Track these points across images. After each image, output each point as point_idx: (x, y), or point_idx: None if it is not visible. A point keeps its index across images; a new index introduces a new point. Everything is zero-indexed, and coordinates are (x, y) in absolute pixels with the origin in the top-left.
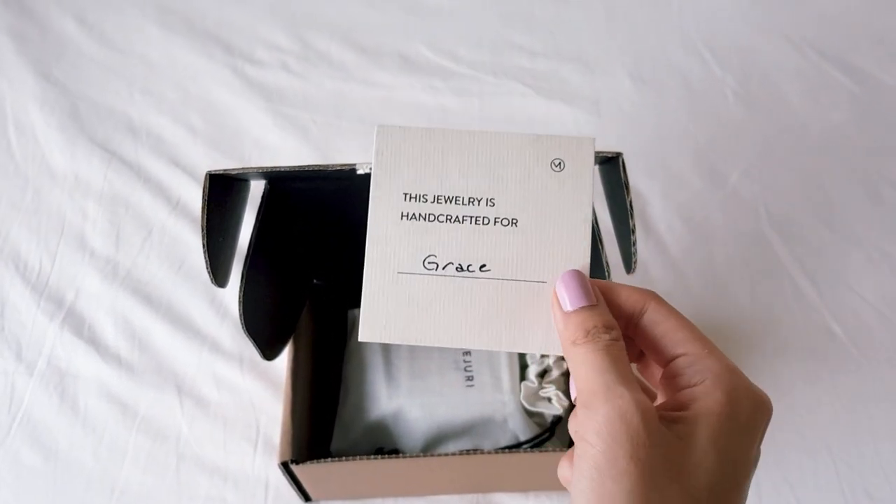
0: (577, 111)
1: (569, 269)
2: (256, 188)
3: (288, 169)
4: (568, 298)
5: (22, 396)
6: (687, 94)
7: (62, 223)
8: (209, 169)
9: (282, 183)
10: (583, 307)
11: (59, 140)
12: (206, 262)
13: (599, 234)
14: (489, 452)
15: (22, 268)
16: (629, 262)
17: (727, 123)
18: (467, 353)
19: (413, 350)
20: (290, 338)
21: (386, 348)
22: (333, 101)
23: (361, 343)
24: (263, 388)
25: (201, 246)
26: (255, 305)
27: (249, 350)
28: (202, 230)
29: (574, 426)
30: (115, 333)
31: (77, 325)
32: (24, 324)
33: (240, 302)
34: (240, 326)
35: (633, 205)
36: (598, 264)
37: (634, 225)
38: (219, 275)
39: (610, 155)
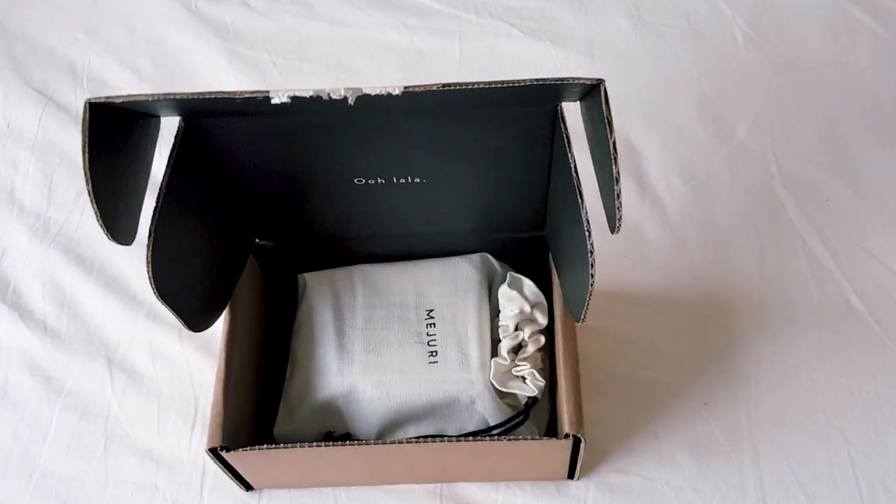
0: (568, 54)
1: None
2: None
3: (192, 96)
4: None
5: None
6: (691, 36)
7: None
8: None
9: (199, 119)
10: None
11: None
12: (96, 212)
13: (579, 185)
14: (453, 439)
15: None
16: (613, 220)
17: (736, 68)
18: (431, 323)
19: (369, 319)
20: (224, 305)
21: (339, 317)
22: (296, 40)
23: (312, 311)
24: (204, 361)
25: (87, 193)
26: (173, 267)
27: None
28: (85, 174)
29: None
30: (43, 297)
31: (0, 287)
32: None
33: (148, 262)
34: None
35: (620, 151)
36: (576, 220)
37: (618, 173)
38: (117, 229)
39: (590, 83)
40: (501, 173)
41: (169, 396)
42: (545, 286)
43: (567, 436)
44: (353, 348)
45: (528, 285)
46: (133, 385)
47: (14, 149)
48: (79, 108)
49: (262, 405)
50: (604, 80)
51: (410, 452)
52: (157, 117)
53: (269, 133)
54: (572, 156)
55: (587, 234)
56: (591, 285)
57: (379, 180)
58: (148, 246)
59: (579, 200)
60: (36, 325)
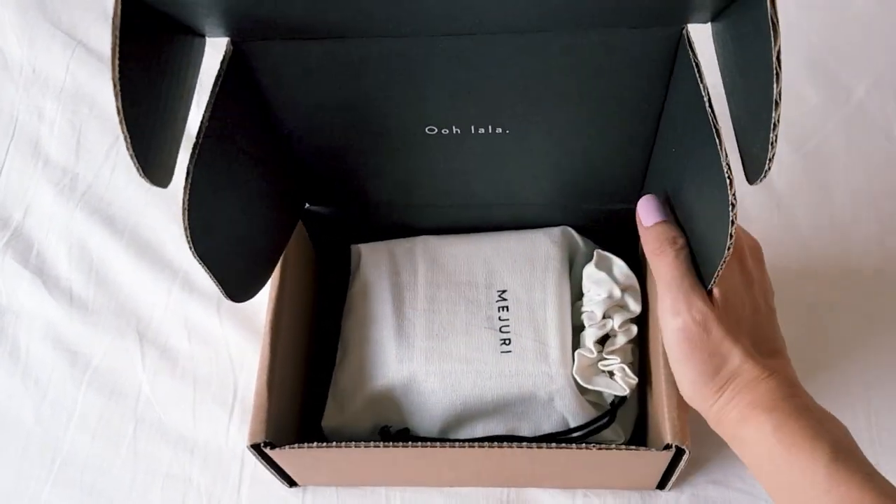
0: None
1: (646, 195)
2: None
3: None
4: (644, 216)
5: None
6: None
7: (13, 124)
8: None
9: (251, 42)
10: (657, 223)
11: (16, 23)
12: (126, 139)
13: (715, 122)
14: (532, 445)
15: None
16: (760, 163)
17: (853, 19)
18: (504, 306)
19: (433, 300)
20: (268, 275)
21: (398, 296)
22: None
23: (366, 288)
24: (245, 339)
25: (117, 114)
26: (213, 220)
27: None
28: (114, 87)
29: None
30: (69, 263)
31: (23, 250)
32: None
33: (184, 209)
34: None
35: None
36: (707, 168)
37: (779, 94)
38: (151, 165)
39: None
40: (601, 120)
41: (206, 378)
42: (637, 268)
43: (668, 446)
44: (413, 333)
45: (619, 265)
46: (166, 363)
47: (40, 97)
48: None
49: (309, 393)
50: None
51: (479, 456)
52: (202, 36)
53: (332, 63)
54: (705, 87)
55: (728, 181)
56: (729, 247)
57: (454, 130)
58: (185, 188)
59: (716, 140)
60: (61, 294)
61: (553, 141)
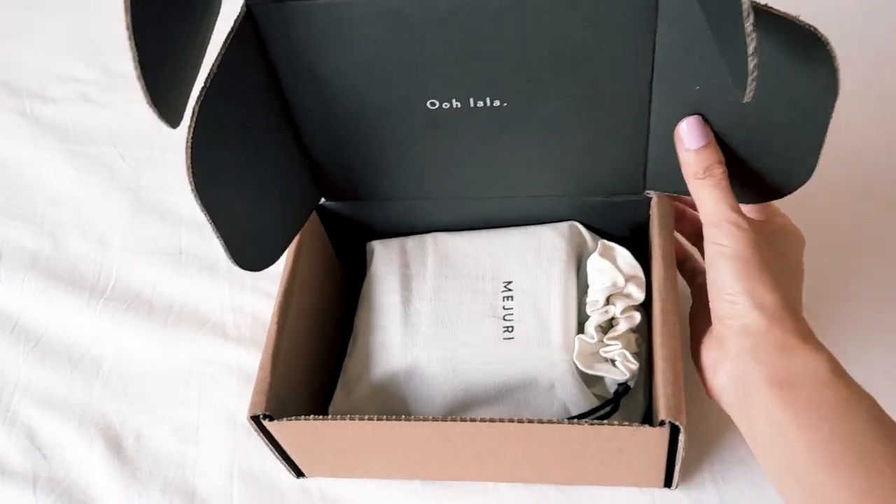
0: None
1: (690, 117)
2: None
3: None
4: (688, 139)
5: None
6: None
7: None
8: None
9: (266, 8)
10: (702, 146)
11: None
12: (139, 74)
13: None
14: (524, 420)
15: None
16: (742, 85)
17: None
18: (508, 296)
19: (439, 290)
20: (280, 249)
21: (407, 287)
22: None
23: (378, 280)
24: None
25: (127, 39)
26: (219, 172)
27: None
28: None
29: (707, 237)
30: None
31: None
32: None
33: (187, 150)
34: None
35: None
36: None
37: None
38: (163, 103)
39: None
40: (596, 92)
41: None
42: (641, 260)
43: (662, 423)
44: (419, 321)
45: (623, 254)
46: None
47: None
48: None
49: (321, 386)
50: None
51: (477, 434)
52: None
53: (335, 25)
54: None
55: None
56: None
57: (454, 103)
58: (189, 127)
59: None
60: None
61: (551, 117)
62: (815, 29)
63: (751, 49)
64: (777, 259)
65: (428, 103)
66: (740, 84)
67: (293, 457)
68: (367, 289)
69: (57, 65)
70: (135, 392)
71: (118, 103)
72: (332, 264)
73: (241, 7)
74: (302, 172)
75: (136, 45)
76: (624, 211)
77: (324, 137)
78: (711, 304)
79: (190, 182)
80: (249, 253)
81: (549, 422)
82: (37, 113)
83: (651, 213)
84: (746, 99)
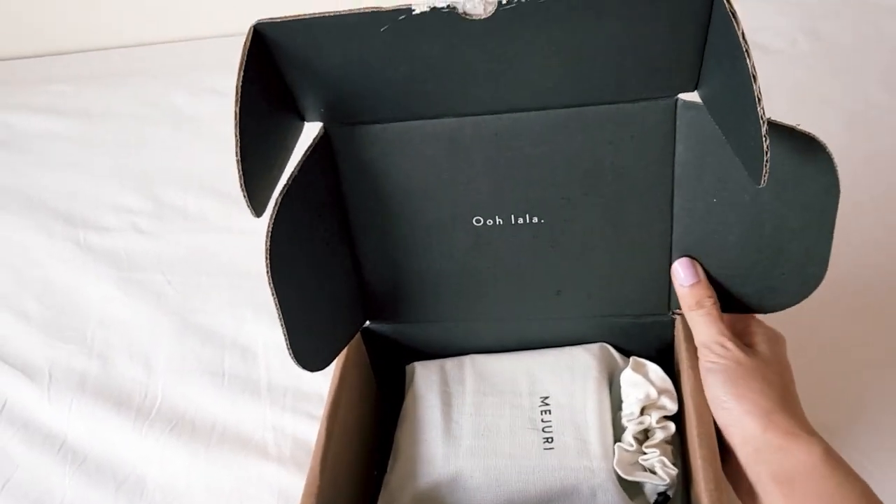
0: None
1: (681, 258)
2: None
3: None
4: (682, 277)
5: None
6: None
7: None
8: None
9: (339, 129)
10: (693, 283)
11: None
12: (240, 176)
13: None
14: None
15: None
16: (758, 173)
17: None
18: (546, 409)
19: (479, 406)
20: (332, 356)
21: (447, 403)
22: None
23: (418, 399)
24: None
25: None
26: (290, 267)
27: None
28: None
29: (701, 357)
30: None
31: None
32: None
33: (268, 234)
34: None
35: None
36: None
37: (761, 107)
38: (254, 199)
39: None
40: (622, 211)
41: None
42: (670, 375)
43: None
44: (460, 434)
45: (654, 369)
46: None
47: None
48: None
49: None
50: None
51: None
52: (302, 120)
53: (404, 149)
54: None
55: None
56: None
57: (497, 220)
58: (271, 217)
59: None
60: None
61: (582, 233)
62: (813, 135)
63: (763, 129)
64: (763, 365)
65: (474, 220)
66: (756, 170)
67: None
68: (408, 407)
69: (110, 196)
70: None
71: (167, 233)
72: (371, 384)
73: (320, 129)
74: (353, 291)
75: (241, 162)
76: (651, 331)
77: (376, 255)
78: (715, 418)
79: (266, 267)
80: (306, 352)
81: None
82: (90, 241)
83: (676, 331)
84: (763, 183)
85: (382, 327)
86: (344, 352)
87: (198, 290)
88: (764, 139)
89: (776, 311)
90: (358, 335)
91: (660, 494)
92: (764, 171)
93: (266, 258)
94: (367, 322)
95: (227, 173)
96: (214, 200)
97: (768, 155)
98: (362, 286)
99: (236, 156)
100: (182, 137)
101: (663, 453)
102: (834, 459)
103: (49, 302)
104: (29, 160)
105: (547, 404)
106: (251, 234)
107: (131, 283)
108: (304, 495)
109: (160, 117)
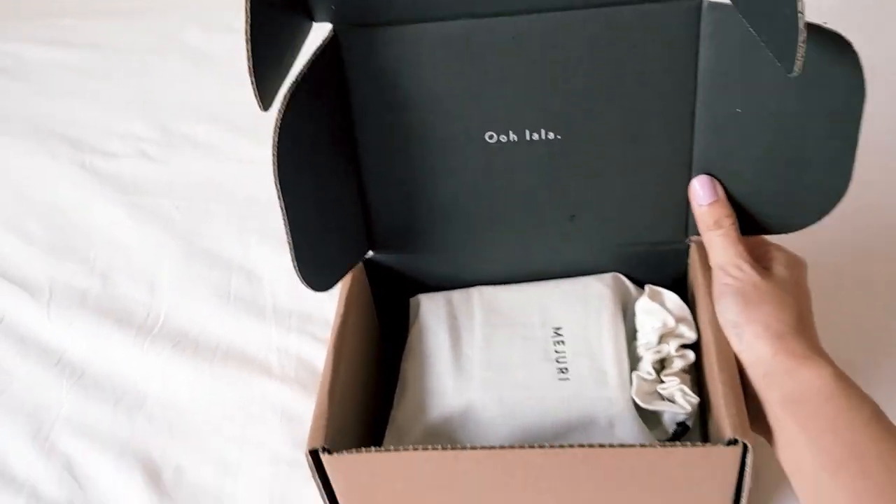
0: None
1: (700, 175)
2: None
3: None
4: (701, 196)
5: None
6: None
7: None
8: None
9: (353, 31)
10: (713, 202)
11: None
12: (250, 67)
13: None
14: (595, 445)
15: None
16: (791, 58)
17: None
18: (560, 340)
19: (490, 338)
20: (336, 278)
21: (455, 336)
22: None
23: (425, 331)
24: None
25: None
26: (297, 183)
27: None
28: (245, 36)
29: (715, 278)
30: None
31: None
32: None
33: (276, 131)
34: None
35: None
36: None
37: None
38: (263, 93)
39: None
40: (641, 122)
41: None
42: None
43: (732, 442)
44: (471, 366)
45: (671, 297)
46: None
47: None
48: None
49: (369, 434)
50: None
51: (541, 464)
52: (311, 20)
53: (414, 53)
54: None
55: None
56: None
57: (511, 136)
58: (280, 110)
59: None
60: None
61: (599, 151)
62: (841, 33)
63: (800, 5)
64: (779, 288)
65: (486, 136)
66: (790, 56)
67: (342, 500)
68: (414, 339)
69: (117, 124)
70: (177, 427)
71: (175, 160)
72: (373, 317)
73: (329, 33)
74: (357, 216)
75: (252, 57)
76: (667, 260)
77: (383, 178)
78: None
79: (273, 164)
80: (311, 271)
81: (621, 445)
82: (96, 165)
83: (691, 258)
84: (797, 70)
85: (386, 258)
86: (348, 279)
87: (205, 216)
88: (799, 17)
89: (795, 230)
90: (360, 265)
91: (679, 424)
92: (798, 55)
93: (273, 153)
94: (371, 253)
95: (239, 106)
96: (224, 131)
97: (804, 35)
98: (367, 212)
99: (246, 44)
100: (194, 71)
101: (683, 382)
102: (844, 381)
103: (52, 223)
104: (34, 88)
105: (560, 335)
106: (261, 163)
107: (137, 208)
108: (313, 428)
109: (173, 51)
